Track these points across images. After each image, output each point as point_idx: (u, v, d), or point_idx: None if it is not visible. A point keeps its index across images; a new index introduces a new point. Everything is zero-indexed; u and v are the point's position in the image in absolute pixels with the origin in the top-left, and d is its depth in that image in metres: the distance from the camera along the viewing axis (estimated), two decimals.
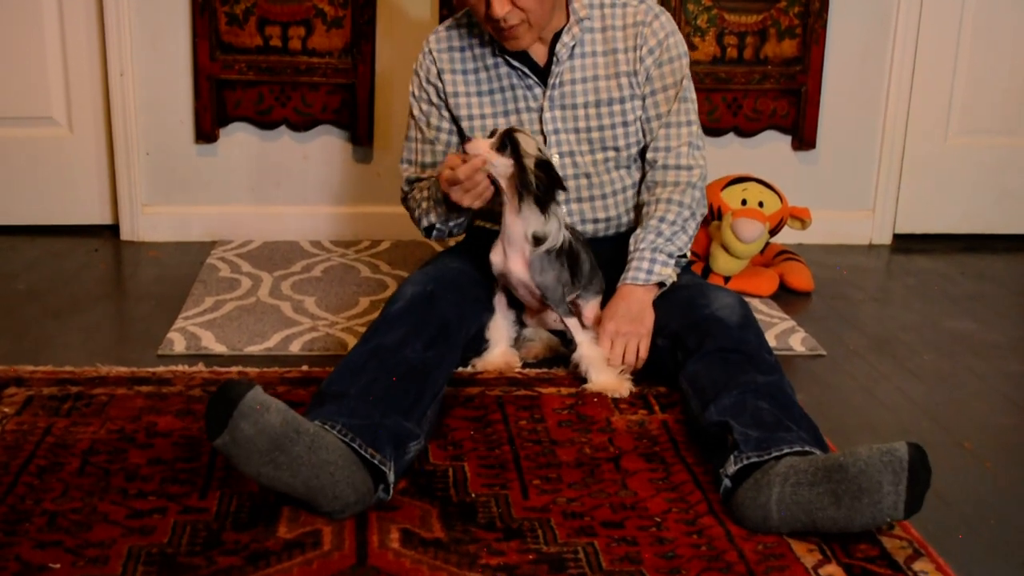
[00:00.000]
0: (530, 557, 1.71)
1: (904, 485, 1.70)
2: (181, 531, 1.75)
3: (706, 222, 3.13)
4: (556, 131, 2.45)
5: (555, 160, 2.43)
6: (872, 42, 3.51)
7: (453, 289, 2.27)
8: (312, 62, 3.33)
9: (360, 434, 1.83)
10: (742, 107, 3.45)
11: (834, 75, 3.51)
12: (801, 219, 3.16)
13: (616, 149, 2.47)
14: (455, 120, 2.49)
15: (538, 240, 2.26)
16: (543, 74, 2.43)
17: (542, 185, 2.20)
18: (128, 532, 1.74)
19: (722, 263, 3.06)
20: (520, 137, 2.20)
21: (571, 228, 2.36)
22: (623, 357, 2.34)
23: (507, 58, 2.42)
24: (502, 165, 2.21)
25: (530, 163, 2.19)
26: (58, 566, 1.64)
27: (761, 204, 3.09)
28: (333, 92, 3.36)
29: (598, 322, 2.38)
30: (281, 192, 3.48)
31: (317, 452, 1.75)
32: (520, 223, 2.26)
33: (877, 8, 3.48)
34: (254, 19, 3.27)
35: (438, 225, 2.44)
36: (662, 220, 2.42)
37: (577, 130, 2.45)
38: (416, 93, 2.53)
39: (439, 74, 2.47)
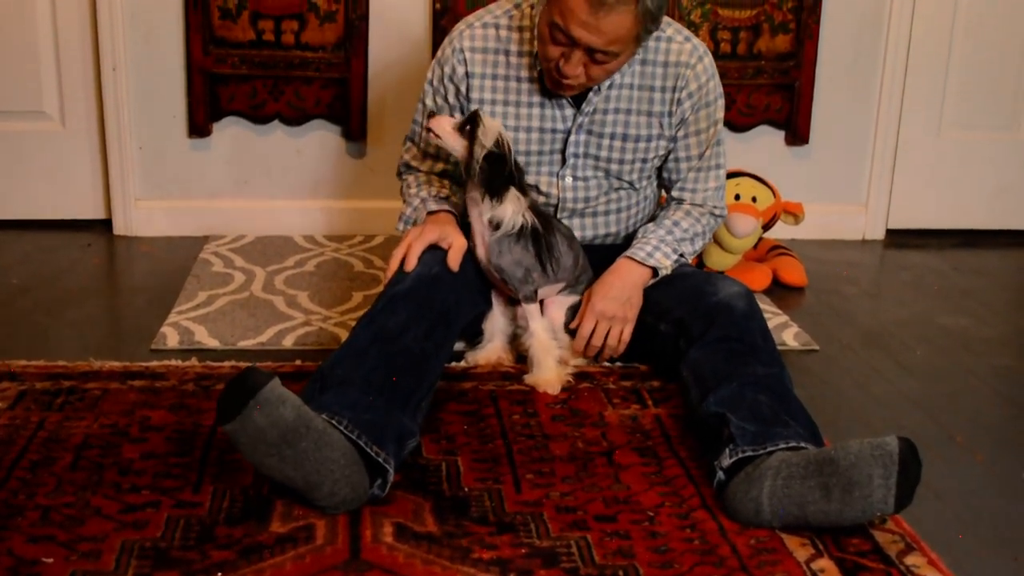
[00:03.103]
0: (523, 551, 1.71)
1: (894, 479, 1.71)
2: (174, 525, 1.75)
3: None
4: (577, 155, 2.39)
5: (567, 182, 2.41)
6: (865, 37, 3.52)
7: (458, 275, 2.26)
8: (305, 56, 3.32)
9: (366, 431, 1.83)
10: (735, 102, 3.45)
11: (827, 70, 3.51)
12: (794, 214, 3.17)
13: (630, 183, 2.45)
14: None
15: (495, 224, 2.26)
16: (577, 97, 2.36)
17: (484, 176, 2.20)
18: (121, 526, 1.74)
19: (715, 258, 3.06)
20: (482, 123, 2.19)
21: (549, 218, 2.35)
22: (604, 340, 2.35)
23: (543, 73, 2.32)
24: (458, 147, 2.22)
25: (479, 152, 2.18)
26: (51, 560, 1.64)
27: (754, 199, 3.09)
28: (326, 86, 3.36)
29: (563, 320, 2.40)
30: (274, 186, 3.48)
31: (322, 449, 1.75)
32: (475, 208, 2.28)
33: (870, 3, 3.48)
34: (247, 13, 3.27)
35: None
36: (676, 224, 2.42)
37: (597, 158, 2.40)
38: (434, 83, 2.43)
39: (466, 76, 2.38)
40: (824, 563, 1.71)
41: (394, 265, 2.23)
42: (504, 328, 2.42)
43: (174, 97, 3.36)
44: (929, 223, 3.74)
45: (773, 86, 3.47)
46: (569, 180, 2.41)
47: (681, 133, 2.42)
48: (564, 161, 2.40)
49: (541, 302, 2.37)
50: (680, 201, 2.48)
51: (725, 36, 3.41)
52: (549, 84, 2.29)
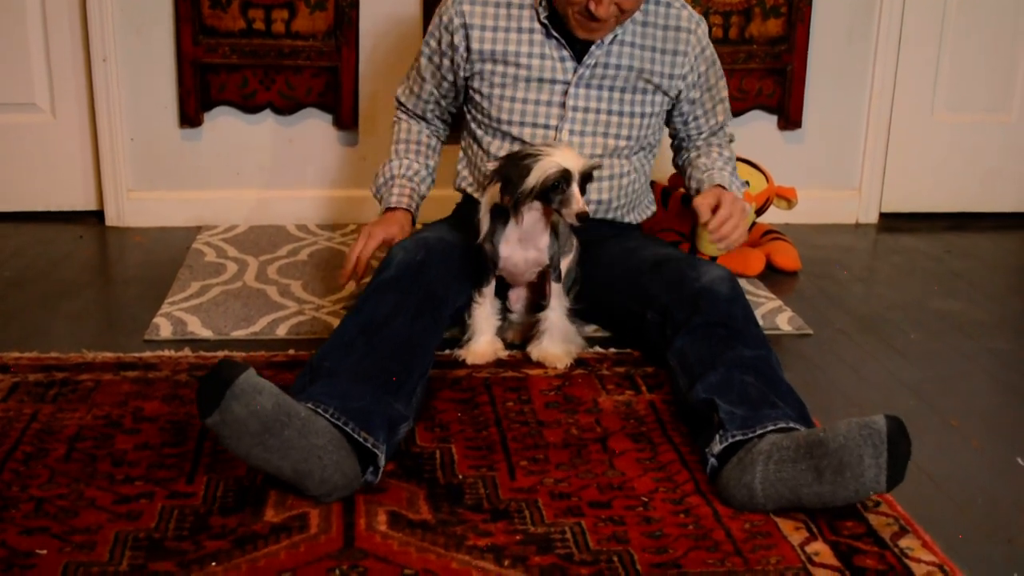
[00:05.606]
0: (517, 538, 1.71)
1: (885, 457, 1.71)
2: (168, 516, 1.75)
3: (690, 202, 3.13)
4: (576, 108, 2.44)
5: (565, 137, 2.44)
6: (857, 20, 3.51)
7: (443, 260, 2.26)
8: (296, 45, 3.31)
9: (353, 417, 1.83)
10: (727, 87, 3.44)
11: (819, 54, 3.51)
12: (787, 199, 3.16)
13: (628, 138, 2.48)
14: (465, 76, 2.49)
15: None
16: (577, 51, 2.42)
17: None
18: (115, 517, 1.74)
19: (708, 243, 3.06)
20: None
21: None
22: (731, 231, 2.40)
23: (545, 24, 2.40)
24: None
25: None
26: (45, 552, 1.64)
27: (747, 184, 3.08)
28: (317, 75, 3.35)
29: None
30: (266, 176, 3.47)
31: (307, 436, 1.75)
32: (542, 226, 2.29)
33: None
34: (237, 2, 3.26)
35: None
36: (728, 161, 2.59)
37: (598, 111, 2.45)
38: (432, 31, 2.52)
39: (464, 27, 2.43)
40: (818, 546, 1.71)
41: (348, 268, 2.42)
42: (493, 321, 2.39)
43: (165, 87, 3.35)
44: (922, 206, 3.74)
45: (765, 70, 3.47)
46: (566, 136, 2.42)
47: (696, 95, 2.55)
48: (562, 116, 2.43)
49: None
50: (705, 144, 2.63)
51: (716, 20, 3.40)
52: (581, 32, 2.35)
